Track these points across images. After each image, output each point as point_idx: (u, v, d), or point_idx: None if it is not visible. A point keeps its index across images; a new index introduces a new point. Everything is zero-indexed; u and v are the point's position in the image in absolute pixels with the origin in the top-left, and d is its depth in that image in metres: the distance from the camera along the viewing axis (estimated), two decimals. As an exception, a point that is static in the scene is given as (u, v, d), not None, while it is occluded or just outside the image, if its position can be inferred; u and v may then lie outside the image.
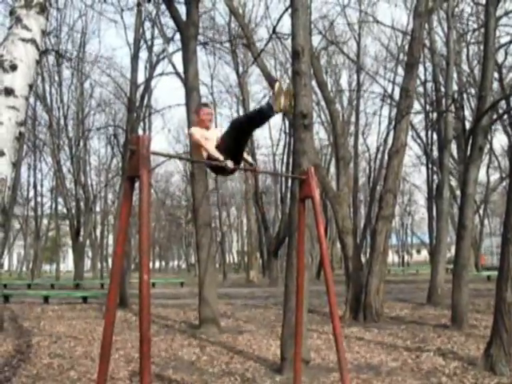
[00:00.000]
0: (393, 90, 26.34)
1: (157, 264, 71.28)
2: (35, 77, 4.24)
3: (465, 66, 24.85)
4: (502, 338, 7.05)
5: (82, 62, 28.82)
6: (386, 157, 15.01)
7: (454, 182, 27.99)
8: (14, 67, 3.89)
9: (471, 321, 11.43)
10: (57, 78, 30.72)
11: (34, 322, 13.19)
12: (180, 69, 19.75)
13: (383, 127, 32.98)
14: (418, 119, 28.83)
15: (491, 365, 7.04)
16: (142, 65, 27.32)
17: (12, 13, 4.08)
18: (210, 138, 5.15)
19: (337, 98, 30.98)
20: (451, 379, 6.83)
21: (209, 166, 5.18)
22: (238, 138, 4.96)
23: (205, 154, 5.06)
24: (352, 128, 29.38)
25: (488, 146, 28.31)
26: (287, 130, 31.18)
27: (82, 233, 31.10)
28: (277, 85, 4.78)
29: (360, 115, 28.08)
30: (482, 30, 14.84)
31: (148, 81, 22.63)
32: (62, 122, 31.17)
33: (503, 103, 18.52)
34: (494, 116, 13.90)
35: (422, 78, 23.91)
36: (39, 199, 40.04)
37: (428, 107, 24.17)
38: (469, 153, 11.38)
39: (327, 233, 34.41)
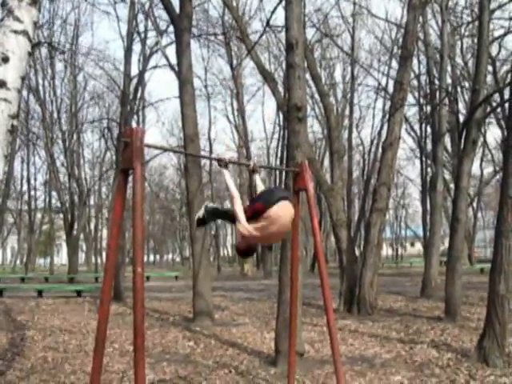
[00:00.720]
0: (387, 83, 26.32)
1: (151, 257, 71.27)
2: (27, 69, 4.22)
3: (459, 59, 24.85)
4: (494, 330, 7.09)
5: (75, 55, 28.71)
6: (380, 150, 15.03)
7: (447, 175, 28.09)
8: (5, 59, 3.86)
9: (464, 313, 11.50)
10: (50, 71, 30.62)
11: (27, 316, 13.16)
12: (173, 61, 19.70)
13: (377, 120, 33.12)
14: (411, 112, 29.00)
15: (484, 356, 7.08)
16: (135, 57, 27.14)
17: (3, 4, 4.05)
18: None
19: (331, 91, 30.96)
20: (444, 371, 6.87)
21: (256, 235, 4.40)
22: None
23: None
24: (346, 121, 29.37)
25: (481, 139, 28.38)
26: (281, 123, 31.17)
27: (75, 226, 31.05)
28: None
29: (354, 108, 28.03)
30: (476, 23, 14.84)
31: (141, 73, 22.55)
32: (55, 115, 31.09)
33: (497, 96, 18.55)
34: (488, 109, 13.93)
35: (416, 71, 23.90)
36: (33, 193, 40.00)
37: (422, 100, 24.16)
38: (462, 146, 11.40)
39: (321, 226, 34.44)
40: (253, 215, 4.38)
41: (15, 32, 3.94)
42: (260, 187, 4.90)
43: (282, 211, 4.39)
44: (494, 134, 62.09)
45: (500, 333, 7.06)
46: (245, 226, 4.30)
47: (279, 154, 32.29)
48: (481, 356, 7.14)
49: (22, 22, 3.97)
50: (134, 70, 22.76)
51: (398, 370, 6.95)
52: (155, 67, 25.17)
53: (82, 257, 53.01)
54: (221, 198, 49.70)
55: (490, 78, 22.23)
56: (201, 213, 4.79)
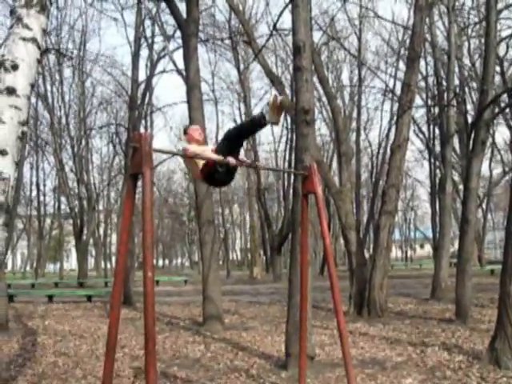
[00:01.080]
0: (394, 84, 26.30)
1: (160, 262, 71.38)
2: (36, 76, 4.24)
3: (466, 60, 24.79)
4: (506, 332, 7.04)
5: (83, 61, 28.86)
6: (389, 152, 15.01)
7: (456, 177, 27.99)
8: (15, 67, 3.89)
9: (475, 315, 11.43)
10: (58, 77, 30.78)
11: (38, 321, 13.22)
12: (181, 66, 19.77)
13: (385, 122, 33.13)
14: (419, 114, 28.90)
15: (496, 359, 7.03)
16: (142, 63, 27.37)
17: (12, 12, 4.08)
18: (205, 149, 5.16)
19: (338, 93, 30.93)
20: (456, 373, 6.83)
21: (204, 177, 5.07)
22: (231, 146, 4.98)
23: (201, 164, 4.98)
24: (354, 123, 29.41)
25: (490, 139, 28.26)
26: (289, 126, 31.18)
27: (85, 232, 31.19)
28: (272, 97, 4.84)
29: (362, 110, 28.07)
30: (483, 23, 14.82)
31: (149, 79, 22.64)
32: (63, 121, 31.26)
33: (505, 97, 18.44)
34: (496, 110, 13.86)
35: (424, 72, 23.85)
36: (42, 199, 40.18)
37: (430, 101, 24.11)
38: (471, 147, 11.36)
39: (330, 228, 34.43)
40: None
41: (24, 39, 3.97)
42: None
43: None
44: (502, 134, 61.89)
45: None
46: (192, 151, 4.86)
47: (287, 157, 32.28)
48: (492, 358, 7.09)
49: (31, 30, 4.00)
50: (142, 76, 22.88)
51: (409, 373, 6.92)
52: (163, 72, 25.25)
53: (91, 262, 53.17)
54: (230, 201, 49.78)
55: (497, 79, 22.14)
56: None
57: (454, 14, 17.77)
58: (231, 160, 4.77)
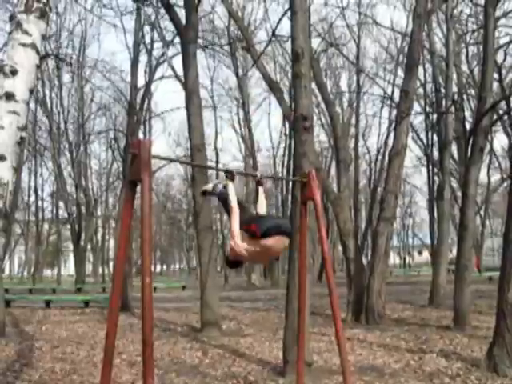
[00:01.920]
0: (393, 91, 26.31)
1: (158, 267, 71.25)
2: (35, 81, 4.25)
3: (464, 67, 24.82)
4: (504, 339, 7.03)
5: (82, 67, 28.89)
6: (387, 158, 15.02)
7: (454, 183, 27.98)
8: (14, 72, 3.90)
9: (473, 322, 11.41)
10: (57, 83, 30.82)
11: (35, 327, 13.17)
12: (180, 72, 19.80)
13: (383, 129, 32.99)
14: (418, 120, 28.89)
15: (494, 366, 7.02)
16: (141, 68, 27.28)
17: (12, 18, 4.09)
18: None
19: (337, 100, 30.97)
20: (454, 380, 6.81)
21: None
22: None
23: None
24: (352, 130, 29.39)
25: (488, 146, 28.27)
26: (287, 133, 31.21)
27: (83, 237, 31.13)
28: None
29: (360, 117, 28.05)
30: (481, 30, 14.84)
31: (148, 84, 22.64)
32: (62, 126, 31.25)
33: (503, 104, 18.50)
34: (495, 117, 13.90)
35: (422, 79, 23.89)
36: (40, 204, 40.12)
37: (428, 108, 24.14)
38: (469, 154, 11.38)
39: (328, 235, 34.35)
40: (246, 230, 4.38)
41: (24, 45, 3.97)
42: (261, 201, 4.97)
43: (277, 244, 4.39)
44: (500, 141, 62.08)
45: (510, 341, 6.99)
46: (237, 243, 4.33)
47: (285, 163, 32.30)
48: (491, 365, 7.08)
49: (31, 35, 4.01)
50: (141, 81, 22.88)
51: (407, 380, 6.90)
52: (161, 78, 25.25)
53: (89, 267, 53.00)
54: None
55: (495, 86, 22.18)
56: (209, 187, 5.13)
57: (453, 22, 17.86)
58: (233, 169, 4.77)
